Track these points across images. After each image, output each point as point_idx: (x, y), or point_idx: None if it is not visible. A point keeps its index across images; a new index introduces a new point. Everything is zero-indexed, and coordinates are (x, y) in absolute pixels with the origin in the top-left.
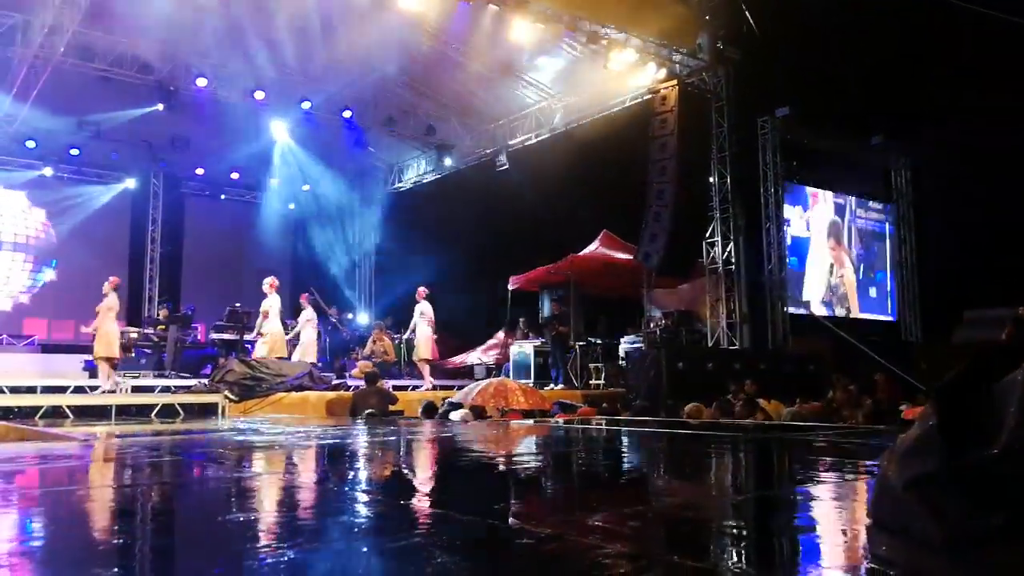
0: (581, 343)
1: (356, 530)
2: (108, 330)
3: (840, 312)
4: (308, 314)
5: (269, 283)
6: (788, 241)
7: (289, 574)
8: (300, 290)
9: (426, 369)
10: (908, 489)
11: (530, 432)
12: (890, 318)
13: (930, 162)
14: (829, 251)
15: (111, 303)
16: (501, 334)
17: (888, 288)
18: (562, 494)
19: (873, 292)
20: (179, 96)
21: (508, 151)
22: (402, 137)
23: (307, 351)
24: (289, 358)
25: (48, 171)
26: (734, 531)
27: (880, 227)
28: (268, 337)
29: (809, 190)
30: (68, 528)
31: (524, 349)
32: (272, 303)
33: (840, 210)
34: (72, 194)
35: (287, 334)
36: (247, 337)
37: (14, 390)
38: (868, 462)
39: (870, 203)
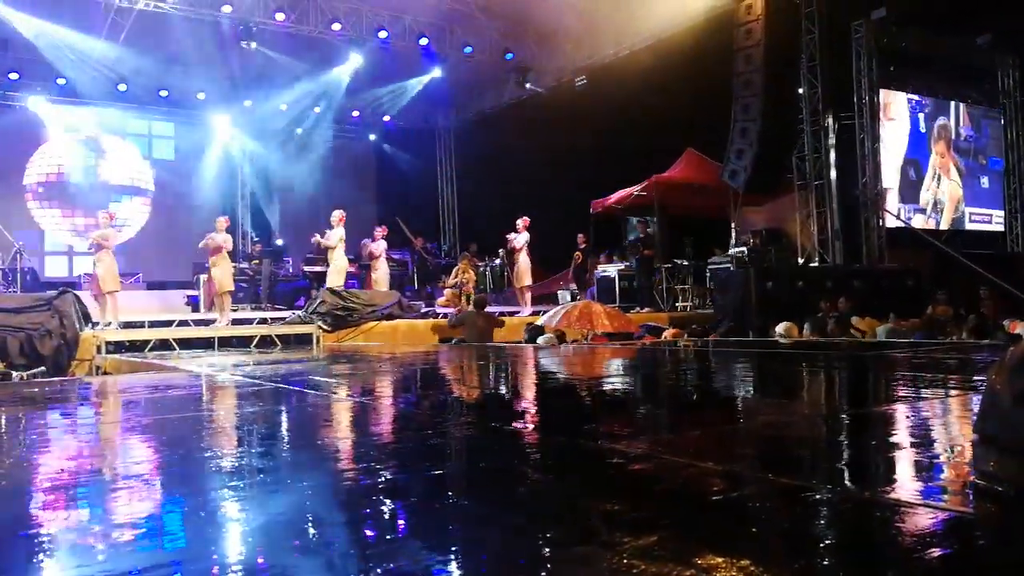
0: (667, 265)
1: (448, 452)
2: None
3: (941, 224)
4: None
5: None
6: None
7: (386, 495)
8: (385, 220)
9: (527, 296)
10: (1019, 403)
11: (617, 354)
12: (999, 213)
13: None
14: (937, 156)
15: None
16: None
17: (1002, 176)
18: (651, 415)
19: (985, 182)
20: (258, 32)
21: (588, 71)
22: (479, 62)
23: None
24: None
25: (144, 112)
26: (828, 449)
27: (996, 109)
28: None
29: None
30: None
31: (609, 272)
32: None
33: (946, 107)
34: (164, 134)
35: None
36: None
37: (125, 325)
38: (972, 378)
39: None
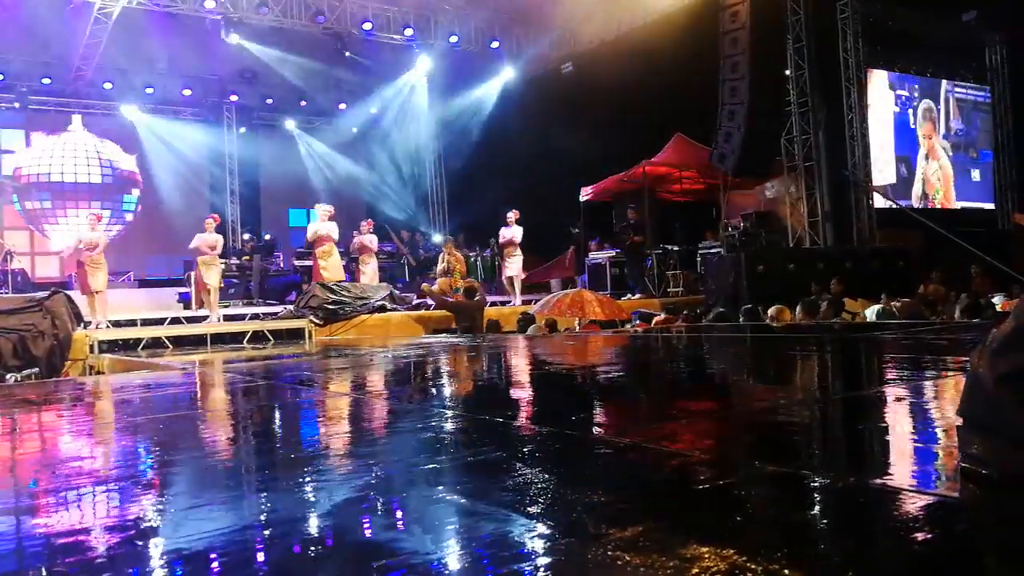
0: (657, 251)
1: (436, 445)
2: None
3: (932, 204)
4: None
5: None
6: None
7: (368, 490)
8: (373, 213)
9: (518, 285)
10: (1001, 385)
11: (608, 342)
12: (990, 205)
13: None
14: (923, 139)
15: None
16: (571, 248)
17: (992, 168)
18: (643, 403)
19: (976, 175)
20: (243, 27)
21: (574, 57)
22: (464, 50)
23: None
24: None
25: (128, 110)
26: (819, 434)
27: (985, 97)
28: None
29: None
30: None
31: (600, 259)
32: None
33: (934, 94)
34: (150, 132)
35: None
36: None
37: (116, 324)
38: (961, 358)
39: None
